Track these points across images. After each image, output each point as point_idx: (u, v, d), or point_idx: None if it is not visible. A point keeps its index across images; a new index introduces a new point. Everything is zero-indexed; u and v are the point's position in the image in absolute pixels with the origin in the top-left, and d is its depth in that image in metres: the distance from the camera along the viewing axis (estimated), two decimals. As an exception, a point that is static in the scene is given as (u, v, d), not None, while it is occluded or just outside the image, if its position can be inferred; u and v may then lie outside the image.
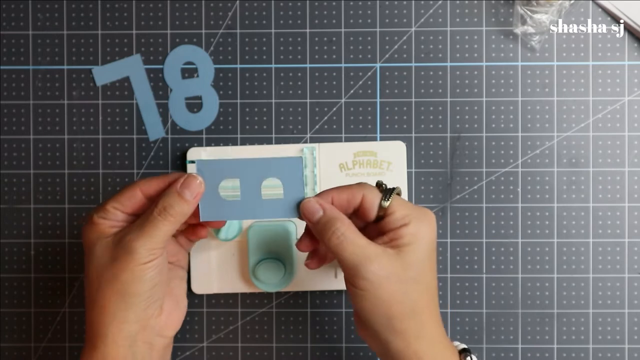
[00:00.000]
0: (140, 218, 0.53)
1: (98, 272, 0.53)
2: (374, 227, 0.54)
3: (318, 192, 0.65)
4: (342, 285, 0.66)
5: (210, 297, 0.67)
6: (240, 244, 0.65)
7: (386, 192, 0.53)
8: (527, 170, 0.66)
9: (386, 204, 0.53)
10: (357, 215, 0.54)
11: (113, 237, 0.53)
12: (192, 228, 0.58)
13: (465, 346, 0.56)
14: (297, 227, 0.65)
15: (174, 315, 0.56)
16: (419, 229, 0.52)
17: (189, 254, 0.63)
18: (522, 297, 0.66)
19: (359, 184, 0.54)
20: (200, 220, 0.55)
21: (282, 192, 0.54)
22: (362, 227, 0.55)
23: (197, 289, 0.66)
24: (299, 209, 0.53)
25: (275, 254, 0.64)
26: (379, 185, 0.54)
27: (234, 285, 0.66)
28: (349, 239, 0.51)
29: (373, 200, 0.53)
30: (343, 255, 0.51)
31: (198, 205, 0.54)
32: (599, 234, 0.66)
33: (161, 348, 0.55)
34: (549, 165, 0.66)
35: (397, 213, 0.52)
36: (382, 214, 0.53)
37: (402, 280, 0.51)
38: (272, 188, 0.54)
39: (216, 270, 0.65)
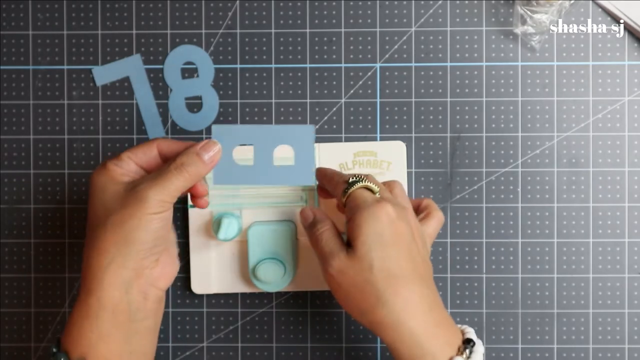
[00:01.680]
0: (156, 172, 0.54)
1: (105, 215, 0.53)
2: None
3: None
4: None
5: (210, 297, 0.67)
6: (240, 244, 0.65)
7: (348, 185, 0.56)
8: (527, 170, 0.66)
9: (343, 198, 0.56)
10: None
11: (125, 185, 0.54)
12: (193, 198, 0.59)
13: (471, 336, 0.55)
14: (297, 227, 0.65)
15: (167, 269, 0.56)
16: (363, 220, 0.53)
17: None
18: (522, 297, 0.66)
19: (343, 177, 0.58)
20: (214, 184, 0.56)
21: (293, 159, 0.55)
22: None
23: (197, 289, 0.66)
24: (309, 177, 0.56)
25: (275, 254, 0.64)
26: (352, 177, 0.57)
27: (234, 285, 0.66)
28: (324, 236, 0.56)
29: (338, 191, 0.57)
30: (316, 250, 0.56)
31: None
32: (599, 234, 0.66)
33: (155, 300, 0.55)
34: (549, 165, 0.66)
35: (348, 205, 0.56)
36: (345, 206, 0.56)
37: (359, 272, 0.53)
38: (285, 155, 0.56)
39: (216, 270, 0.65)
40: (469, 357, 0.53)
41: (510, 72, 0.66)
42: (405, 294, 0.53)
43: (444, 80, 0.67)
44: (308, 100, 0.67)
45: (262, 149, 0.55)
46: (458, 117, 0.66)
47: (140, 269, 0.53)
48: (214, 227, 0.63)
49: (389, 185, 0.59)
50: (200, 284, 0.66)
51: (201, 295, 0.67)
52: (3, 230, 0.68)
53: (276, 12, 0.67)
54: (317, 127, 0.67)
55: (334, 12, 0.67)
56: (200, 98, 0.67)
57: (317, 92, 0.67)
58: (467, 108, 0.66)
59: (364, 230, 0.53)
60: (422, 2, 0.67)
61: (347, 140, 0.67)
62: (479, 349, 0.54)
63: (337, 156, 0.65)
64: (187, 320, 0.67)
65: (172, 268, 0.57)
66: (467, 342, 0.54)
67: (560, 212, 0.66)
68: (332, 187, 0.58)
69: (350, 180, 0.56)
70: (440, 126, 0.66)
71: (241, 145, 0.56)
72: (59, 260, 0.67)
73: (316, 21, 0.67)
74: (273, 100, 0.67)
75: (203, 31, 0.67)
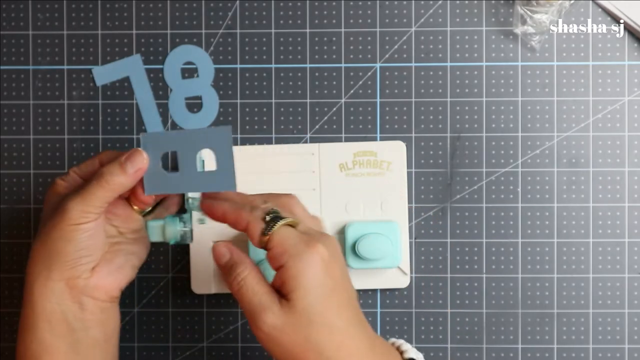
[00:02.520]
0: (82, 183, 0.54)
1: (40, 226, 0.54)
2: None
3: (319, 192, 0.65)
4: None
5: (210, 297, 0.67)
6: (240, 244, 0.65)
7: (268, 223, 0.50)
8: (527, 170, 0.66)
9: (263, 239, 0.50)
10: None
11: (61, 198, 0.54)
12: (134, 197, 0.56)
13: (411, 355, 0.54)
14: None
15: (107, 280, 0.54)
16: (300, 270, 0.49)
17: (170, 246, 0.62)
18: (522, 297, 0.66)
19: (252, 206, 0.52)
20: (145, 194, 0.54)
21: (215, 164, 0.53)
22: None
23: (197, 289, 0.66)
24: (231, 182, 0.52)
25: (275, 254, 0.63)
26: (268, 213, 0.51)
27: (234, 285, 0.66)
28: (248, 285, 0.50)
29: (254, 231, 0.51)
30: (241, 303, 0.50)
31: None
32: (599, 234, 0.66)
33: (96, 311, 0.54)
34: (549, 165, 0.66)
35: (274, 250, 0.50)
36: (265, 247, 0.51)
37: (299, 329, 0.49)
38: (207, 160, 0.54)
39: (216, 270, 0.65)
40: None
41: (510, 72, 0.66)
42: (347, 344, 0.50)
43: (444, 80, 0.67)
44: (308, 100, 0.67)
45: (186, 155, 0.53)
46: (458, 117, 0.66)
47: (71, 279, 0.53)
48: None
49: (285, 204, 0.53)
50: (200, 284, 0.66)
51: (201, 295, 0.67)
52: (3, 230, 0.68)
53: (276, 12, 0.67)
54: (317, 127, 0.67)
55: (334, 12, 0.67)
56: (200, 98, 0.67)
57: (317, 92, 0.67)
58: (467, 108, 0.66)
59: (301, 282, 0.48)
60: (422, 2, 0.67)
61: (347, 140, 0.67)
62: None
63: (337, 156, 0.65)
64: (187, 320, 0.67)
65: (113, 278, 0.55)
66: None
67: (560, 212, 0.66)
68: (241, 220, 0.51)
69: (267, 218, 0.50)
70: (440, 126, 0.66)
71: (168, 151, 0.54)
72: (59, 260, 0.67)
73: (316, 21, 0.67)
74: (273, 100, 0.67)
75: (203, 31, 0.67)
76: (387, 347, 0.53)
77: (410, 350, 0.54)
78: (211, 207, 0.53)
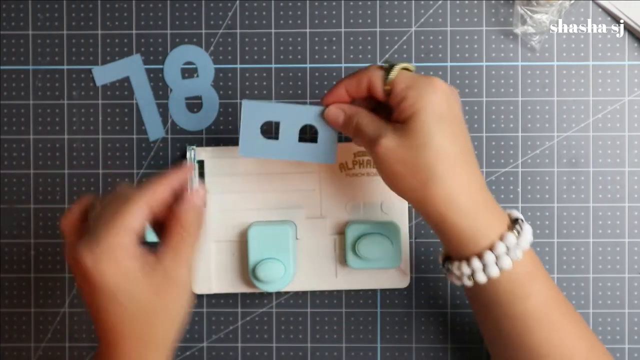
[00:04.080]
0: (171, 244, 0.50)
1: (138, 308, 0.48)
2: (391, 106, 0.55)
3: (319, 192, 0.65)
4: (342, 285, 0.66)
5: (210, 297, 0.67)
6: (240, 244, 0.65)
7: (388, 69, 0.54)
8: (527, 170, 0.66)
9: (386, 81, 0.54)
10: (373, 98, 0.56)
11: (142, 266, 0.49)
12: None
13: (518, 216, 0.55)
14: (297, 227, 0.65)
15: None
16: (418, 98, 0.52)
17: None
18: (522, 297, 0.66)
19: (367, 67, 0.55)
20: (239, 154, 0.57)
21: (317, 138, 0.57)
22: (385, 110, 0.55)
23: (197, 289, 0.66)
24: (331, 156, 0.57)
25: (275, 254, 0.64)
26: (386, 63, 0.55)
27: (234, 285, 0.66)
28: (364, 122, 0.54)
29: (376, 81, 0.54)
30: (362, 136, 0.54)
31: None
32: (599, 234, 0.66)
33: None
34: (549, 165, 0.66)
35: (397, 87, 0.53)
36: (388, 91, 0.54)
37: (411, 148, 0.51)
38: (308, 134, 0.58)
39: (216, 270, 0.65)
40: (519, 234, 0.53)
41: (510, 72, 0.66)
42: (458, 172, 0.52)
43: (443, 80, 0.66)
44: (308, 100, 0.67)
45: (288, 126, 0.58)
46: (458, 117, 0.66)
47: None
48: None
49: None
50: (200, 284, 0.66)
51: (201, 295, 0.67)
52: (3, 230, 0.68)
53: (276, 12, 0.67)
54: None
55: (334, 12, 0.67)
56: (200, 98, 0.67)
57: (317, 92, 0.67)
58: (467, 108, 0.66)
59: (416, 106, 0.52)
60: (422, 2, 0.67)
61: (347, 140, 0.67)
62: (527, 227, 0.54)
63: (337, 156, 0.65)
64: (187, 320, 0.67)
65: None
66: (515, 222, 0.54)
67: (560, 212, 0.66)
68: (363, 81, 0.55)
69: (386, 65, 0.54)
70: (440, 126, 0.66)
71: (268, 121, 0.57)
72: (59, 260, 0.67)
73: (316, 21, 0.67)
74: (273, 100, 0.67)
75: (203, 31, 0.67)
76: (495, 203, 0.54)
77: (518, 213, 0.55)
78: (331, 95, 0.56)
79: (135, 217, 0.49)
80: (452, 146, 0.52)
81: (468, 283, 0.54)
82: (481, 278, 0.53)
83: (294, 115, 0.57)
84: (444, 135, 0.52)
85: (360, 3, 0.67)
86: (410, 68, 0.55)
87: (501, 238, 0.52)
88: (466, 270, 0.53)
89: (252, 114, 0.58)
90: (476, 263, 0.52)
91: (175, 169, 0.53)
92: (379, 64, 0.56)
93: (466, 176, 0.52)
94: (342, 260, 0.65)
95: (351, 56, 0.67)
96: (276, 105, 0.58)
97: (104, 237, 0.47)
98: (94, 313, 0.49)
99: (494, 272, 0.52)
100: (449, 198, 0.52)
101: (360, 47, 0.67)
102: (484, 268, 0.52)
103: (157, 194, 0.51)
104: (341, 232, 0.65)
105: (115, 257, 0.47)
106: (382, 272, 0.65)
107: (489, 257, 0.52)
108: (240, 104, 0.57)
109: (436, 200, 0.52)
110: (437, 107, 0.52)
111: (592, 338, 0.55)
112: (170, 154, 0.67)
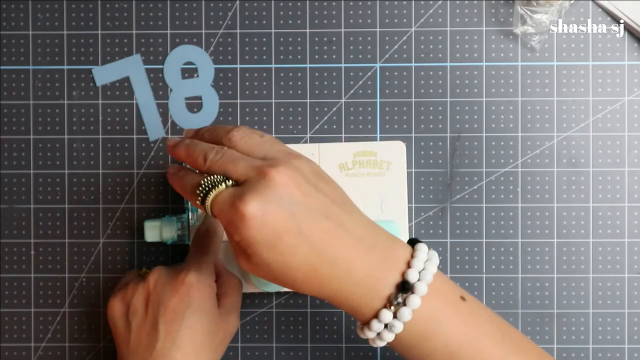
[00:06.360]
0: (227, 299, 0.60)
1: (209, 325, 0.58)
2: None
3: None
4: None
5: (210, 297, 0.67)
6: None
7: (203, 197, 0.49)
8: (527, 170, 0.66)
9: (204, 208, 0.50)
10: None
11: (211, 303, 0.58)
12: None
13: (416, 258, 0.51)
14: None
15: None
16: (237, 237, 0.48)
17: None
18: (522, 297, 0.66)
19: (195, 176, 0.51)
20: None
21: None
22: None
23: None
24: None
25: (275, 254, 0.63)
26: (201, 186, 0.50)
27: (234, 285, 0.66)
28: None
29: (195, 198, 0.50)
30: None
31: None
32: (599, 234, 0.66)
33: None
34: (549, 165, 0.66)
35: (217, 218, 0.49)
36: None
37: (265, 272, 0.49)
38: None
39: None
40: (400, 303, 0.49)
41: (510, 72, 0.66)
42: (311, 274, 0.49)
43: (444, 80, 0.67)
44: (308, 100, 0.67)
45: None
46: (458, 117, 0.66)
47: None
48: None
49: (229, 140, 0.51)
50: (200, 284, 0.65)
51: (201, 295, 0.67)
52: (3, 230, 0.68)
53: (276, 12, 0.67)
54: (317, 127, 0.67)
55: (334, 12, 0.67)
56: (200, 98, 0.67)
57: (317, 92, 0.67)
58: (467, 108, 0.66)
59: (244, 247, 0.48)
60: (422, 2, 0.67)
61: (347, 140, 0.67)
62: (419, 284, 0.49)
63: (337, 156, 0.65)
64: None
65: None
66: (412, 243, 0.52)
67: (560, 212, 0.66)
68: (187, 195, 0.52)
69: (199, 190, 0.49)
70: (440, 126, 0.66)
71: None
72: (59, 260, 0.67)
73: (316, 21, 0.67)
74: (273, 100, 0.67)
75: (203, 31, 0.67)
76: (381, 240, 0.51)
77: (421, 249, 0.51)
78: (174, 149, 0.53)
79: (211, 267, 0.60)
80: (294, 257, 0.47)
81: (381, 344, 0.51)
82: (388, 337, 0.50)
83: None
84: (281, 254, 0.47)
85: (360, 3, 0.67)
86: (222, 190, 0.48)
87: (376, 315, 0.49)
88: (370, 334, 0.51)
89: None
90: (375, 325, 0.50)
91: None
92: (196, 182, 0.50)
93: (317, 268, 0.48)
94: (342, 260, 0.65)
95: (351, 56, 0.67)
96: None
97: (206, 261, 0.59)
98: (176, 324, 0.56)
99: (389, 337, 0.50)
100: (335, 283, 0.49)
101: (360, 47, 0.67)
102: (384, 329, 0.50)
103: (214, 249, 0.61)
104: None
105: (209, 276, 0.59)
106: (382, 272, 0.65)
107: (380, 324, 0.50)
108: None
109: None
110: (255, 238, 0.47)
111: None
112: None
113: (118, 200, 0.67)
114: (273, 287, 0.64)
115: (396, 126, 0.66)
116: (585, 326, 0.66)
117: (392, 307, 0.49)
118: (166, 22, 0.67)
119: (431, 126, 0.66)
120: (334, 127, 0.67)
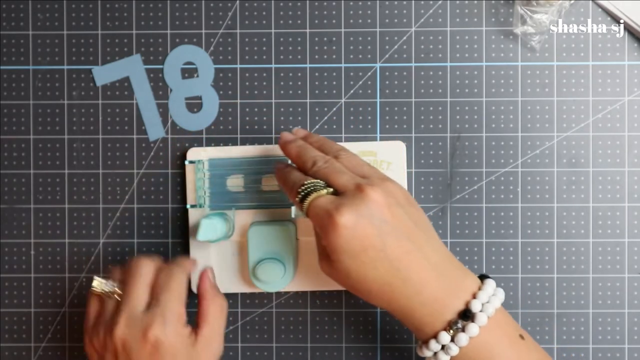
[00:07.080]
0: (206, 321, 0.60)
1: None
2: None
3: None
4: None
5: (210, 297, 0.67)
6: (240, 244, 0.65)
7: (302, 198, 0.54)
8: (527, 170, 0.66)
9: (300, 214, 0.56)
10: None
11: (190, 333, 0.58)
12: None
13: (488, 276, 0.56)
14: (297, 227, 0.65)
15: None
16: (328, 240, 0.52)
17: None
18: (522, 297, 0.66)
19: (297, 180, 0.55)
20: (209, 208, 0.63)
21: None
22: None
23: (196, 289, 0.66)
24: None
25: (275, 254, 0.64)
26: (302, 187, 0.55)
27: (234, 285, 0.66)
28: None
29: (296, 202, 0.55)
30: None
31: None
32: (599, 234, 0.66)
33: None
34: (549, 165, 0.66)
35: (312, 221, 0.54)
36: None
37: (343, 279, 0.54)
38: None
39: (216, 270, 0.65)
40: (458, 329, 0.53)
41: (510, 72, 0.66)
42: (385, 290, 0.53)
43: (444, 80, 0.67)
44: (308, 100, 0.67)
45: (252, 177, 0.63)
46: (458, 117, 0.66)
47: None
48: (194, 228, 0.64)
49: (336, 156, 0.57)
50: (200, 284, 0.66)
51: (201, 295, 0.67)
52: (3, 230, 0.68)
53: (276, 12, 0.67)
54: (317, 127, 0.67)
55: (334, 12, 0.67)
56: (200, 98, 0.67)
57: (317, 92, 0.67)
58: (467, 108, 0.66)
59: (333, 248, 0.52)
60: (422, 2, 0.67)
61: (347, 140, 0.67)
62: (479, 315, 0.53)
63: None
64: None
65: None
66: (464, 314, 0.53)
67: (560, 212, 0.66)
68: (288, 190, 0.57)
69: (301, 189, 0.54)
70: (440, 126, 0.66)
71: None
72: (59, 260, 0.67)
73: (316, 21, 0.67)
74: (273, 100, 0.67)
75: (203, 31, 0.67)
76: (455, 270, 0.54)
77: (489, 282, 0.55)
78: (278, 164, 0.59)
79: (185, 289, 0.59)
80: (374, 271, 0.52)
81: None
82: (444, 359, 0.54)
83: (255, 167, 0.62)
84: (362, 266, 0.52)
85: (360, 3, 0.67)
86: (322, 195, 0.54)
87: (435, 336, 0.53)
88: (427, 352, 0.54)
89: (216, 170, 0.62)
90: (433, 345, 0.54)
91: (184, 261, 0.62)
92: (298, 184, 0.55)
93: (393, 290, 0.53)
94: (342, 260, 0.65)
95: (351, 56, 0.67)
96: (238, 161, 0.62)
97: (170, 308, 0.57)
98: None
99: (444, 359, 0.53)
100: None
101: (360, 47, 0.67)
102: (441, 350, 0.54)
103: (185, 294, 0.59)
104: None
105: (177, 323, 0.57)
106: (382, 272, 0.65)
107: (437, 345, 0.53)
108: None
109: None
110: (344, 246, 0.52)
111: None
112: (170, 154, 0.67)
113: (118, 200, 0.67)
114: (273, 287, 0.64)
115: (396, 126, 0.66)
116: (585, 326, 0.66)
117: (451, 331, 0.53)
118: (166, 22, 0.67)
119: (431, 126, 0.66)
120: (334, 127, 0.67)
